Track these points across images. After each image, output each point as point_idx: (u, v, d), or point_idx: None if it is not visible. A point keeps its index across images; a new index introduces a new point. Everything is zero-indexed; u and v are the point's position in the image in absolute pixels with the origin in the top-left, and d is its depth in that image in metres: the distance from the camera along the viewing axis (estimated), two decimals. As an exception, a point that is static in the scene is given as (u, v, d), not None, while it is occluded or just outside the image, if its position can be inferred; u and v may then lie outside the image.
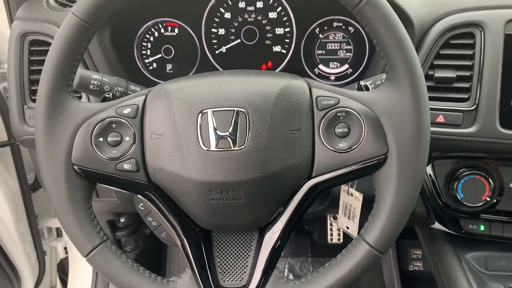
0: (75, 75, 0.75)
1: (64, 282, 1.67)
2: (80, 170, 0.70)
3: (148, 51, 1.08)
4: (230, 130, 0.66)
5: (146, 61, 1.08)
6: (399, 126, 0.66)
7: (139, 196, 0.74)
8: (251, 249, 0.74)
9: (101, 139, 0.70)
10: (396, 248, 1.52)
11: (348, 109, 0.68)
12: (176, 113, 0.68)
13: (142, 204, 0.85)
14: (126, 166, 0.70)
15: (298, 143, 0.68)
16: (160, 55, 1.08)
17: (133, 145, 0.70)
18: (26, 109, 0.99)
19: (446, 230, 1.04)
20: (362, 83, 0.82)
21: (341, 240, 1.69)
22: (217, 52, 1.07)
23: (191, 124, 0.67)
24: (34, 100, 0.98)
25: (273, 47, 1.06)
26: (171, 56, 1.08)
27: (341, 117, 0.68)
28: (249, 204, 0.68)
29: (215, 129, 0.66)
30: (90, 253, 0.70)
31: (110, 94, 0.82)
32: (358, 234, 0.70)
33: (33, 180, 1.45)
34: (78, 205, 0.70)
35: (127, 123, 0.70)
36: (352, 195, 0.91)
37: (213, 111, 0.67)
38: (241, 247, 0.75)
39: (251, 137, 0.66)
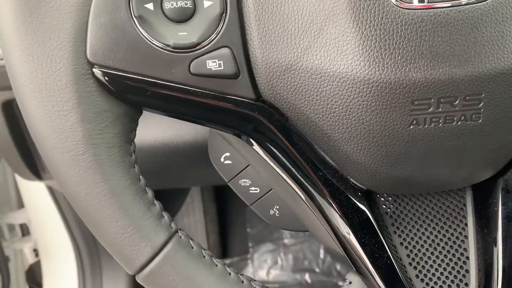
0: None
1: (36, 294, 1.35)
2: (109, 79, 0.31)
3: None
4: None
5: None
6: None
7: (228, 137, 0.37)
8: (465, 225, 0.38)
9: (150, 5, 0.32)
10: None
11: None
12: None
13: (228, 154, 0.43)
14: (211, 65, 0.32)
15: None
16: None
17: (223, 18, 0.32)
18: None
19: None
20: None
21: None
22: None
23: None
24: None
25: None
26: None
27: None
28: (492, 126, 0.32)
29: None
30: (153, 260, 0.32)
31: None
32: None
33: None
34: (108, 154, 0.32)
35: None
36: None
37: None
38: (446, 224, 0.38)
39: None
